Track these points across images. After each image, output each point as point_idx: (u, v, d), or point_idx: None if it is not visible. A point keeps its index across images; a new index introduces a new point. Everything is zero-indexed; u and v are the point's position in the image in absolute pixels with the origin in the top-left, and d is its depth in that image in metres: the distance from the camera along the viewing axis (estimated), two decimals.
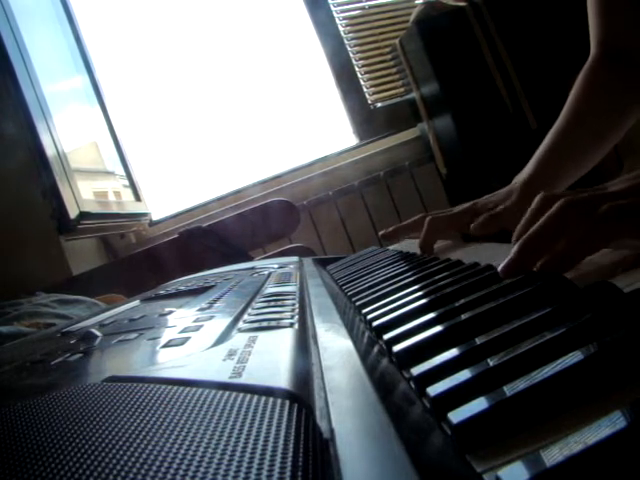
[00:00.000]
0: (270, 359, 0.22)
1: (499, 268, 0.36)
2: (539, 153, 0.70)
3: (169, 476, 0.13)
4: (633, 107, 0.71)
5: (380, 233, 0.75)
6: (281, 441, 0.14)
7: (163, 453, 0.14)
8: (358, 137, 2.19)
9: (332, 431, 0.17)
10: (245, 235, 1.59)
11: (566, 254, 0.33)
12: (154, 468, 0.13)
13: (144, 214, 1.98)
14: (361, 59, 2.22)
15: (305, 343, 0.28)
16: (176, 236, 1.61)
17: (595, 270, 0.32)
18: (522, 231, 0.39)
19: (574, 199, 0.34)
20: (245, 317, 0.34)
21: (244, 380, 0.19)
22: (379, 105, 2.21)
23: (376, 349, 0.30)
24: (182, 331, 0.31)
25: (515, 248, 0.36)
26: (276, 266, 0.73)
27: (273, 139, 2.23)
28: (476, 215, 0.64)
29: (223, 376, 0.20)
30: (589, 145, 0.70)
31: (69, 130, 1.62)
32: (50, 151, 1.43)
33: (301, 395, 0.18)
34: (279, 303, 0.39)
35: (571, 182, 0.70)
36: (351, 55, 2.21)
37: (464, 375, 0.21)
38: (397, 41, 2.03)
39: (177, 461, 0.13)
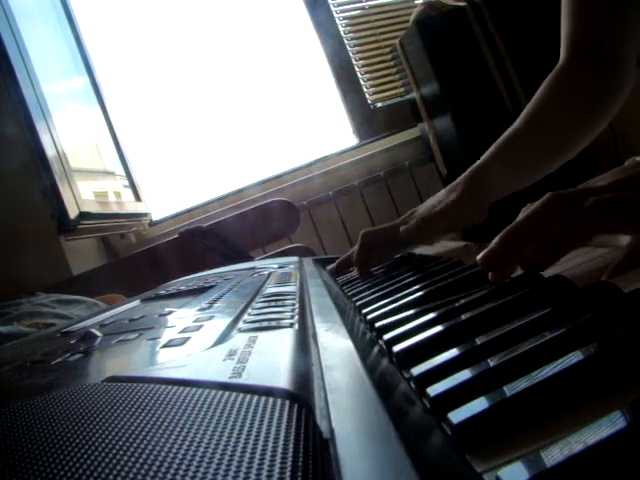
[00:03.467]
0: (270, 359, 0.22)
1: (478, 257, 0.36)
2: (493, 145, 0.67)
3: (169, 476, 0.13)
4: (598, 117, 0.68)
5: (328, 268, 0.72)
6: (281, 441, 0.14)
7: (163, 453, 0.14)
8: (358, 137, 2.19)
9: (332, 431, 0.17)
10: (245, 235, 1.59)
11: (546, 251, 0.33)
12: (154, 468, 0.13)
13: (144, 214, 1.98)
14: (361, 59, 2.22)
15: (305, 343, 0.28)
16: (176, 236, 1.61)
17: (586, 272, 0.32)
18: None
19: (559, 194, 0.34)
20: (245, 317, 0.34)
21: (244, 380, 0.19)
22: (379, 105, 2.21)
23: (376, 349, 0.30)
24: (182, 331, 0.31)
25: (496, 239, 0.36)
26: (276, 266, 0.73)
27: (273, 139, 2.23)
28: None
29: (223, 376, 0.20)
30: (544, 145, 0.67)
31: (69, 130, 1.62)
32: (50, 151, 1.43)
33: (301, 395, 0.18)
34: (279, 303, 0.39)
35: (527, 179, 0.67)
36: (351, 55, 2.21)
37: (464, 375, 0.21)
38: (397, 41, 2.03)
39: (177, 461, 0.13)
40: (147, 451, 0.14)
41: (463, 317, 0.28)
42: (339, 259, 0.70)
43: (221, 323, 0.32)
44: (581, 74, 0.68)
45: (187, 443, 0.14)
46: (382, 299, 0.39)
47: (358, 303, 0.42)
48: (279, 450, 0.14)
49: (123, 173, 1.96)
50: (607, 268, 0.30)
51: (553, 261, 0.33)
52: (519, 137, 0.67)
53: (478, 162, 0.66)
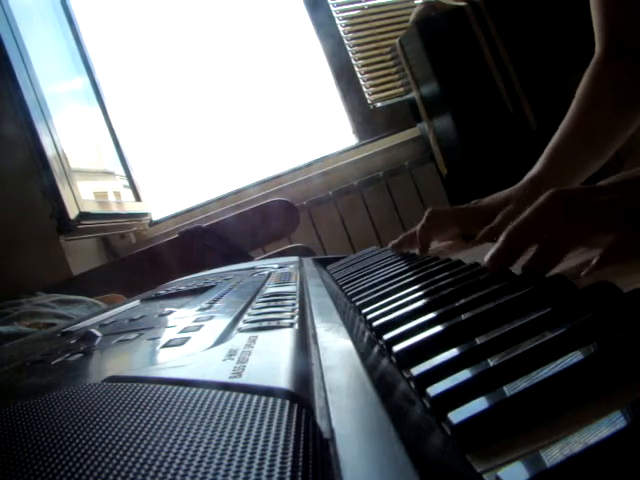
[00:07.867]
0: (270, 359, 0.22)
1: (486, 258, 0.36)
2: (547, 151, 0.68)
3: (169, 476, 0.13)
4: (639, 104, 0.70)
5: (390, 244, 0.73)
6: (281, 441, 0.14)
7: (163, 453, 0.14)
8: (358, 137, 2.19)
9: (332, 431, 0.17)
10: (245, 235, 1.59)
11: (551, 249, 0.32)
12: (154, 468, 0.13)
13: (144, 214, 1.98)
14: (361, 59, 2.22)
15: (305, 343, 0.28)
16: (176, 236, 1.61)
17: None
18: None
19: (562, 190, 0.34)
20: (245, 317, 0.34)
21: (244, 380, 0.19)
22: (379, 105, 2.21)
23: (376, 349, 0.30)
24: (182, 331, 0.31)
25: (501, 238, 0.36)
26: (276, 266, 0.73)
27: (273, 139, 2.23)
28: (479, 215, 0.63)
29: (223, 376, 0.20)
30: (597, 143, 0.69)
31: (69, 130, 1.62)
32: (50, 151, 1.43)
33: (301, 395, 0.18)
34: (279, 303, 0.39)
35: (580, 180, 0.68)
36: (351, 55, 2.21)
37: (464, 375, 0.21)
38: (397, 41, 2.03)
39: (177, 461, 0.13)
40: (147, 451, 0.14)
41: (463, 317, 0.28)
42: (403, 235, 0.70)
43: (221, 323, 0.32)
44: (617, 67, 0.70)
45: (187, 443, 0.14)
46: (382, 299, 0.39)
47: (358, 303, 0.42)
48: (279, 450, 0.14)
49: (123, 173, 1.96)
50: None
51: (557, 261, 0.33)
52: (578, 131, 0.68)
53: (536, 168, 0.68)
